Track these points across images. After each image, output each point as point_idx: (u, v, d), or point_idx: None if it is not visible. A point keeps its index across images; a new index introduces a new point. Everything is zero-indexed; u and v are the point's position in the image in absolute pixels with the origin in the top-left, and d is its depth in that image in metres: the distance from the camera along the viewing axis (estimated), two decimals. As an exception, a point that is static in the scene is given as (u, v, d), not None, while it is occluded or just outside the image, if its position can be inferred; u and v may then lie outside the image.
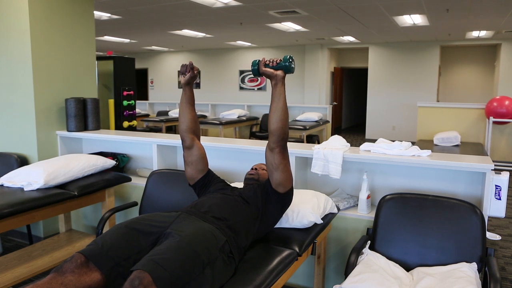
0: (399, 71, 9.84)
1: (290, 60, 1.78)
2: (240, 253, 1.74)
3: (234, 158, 3.12)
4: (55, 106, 3.45)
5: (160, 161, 3.21)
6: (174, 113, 8.72)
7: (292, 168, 2.63)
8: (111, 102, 4.59)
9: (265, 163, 2.30)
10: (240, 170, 3.01)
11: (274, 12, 6.05)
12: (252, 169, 2.26)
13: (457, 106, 6.47)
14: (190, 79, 1.99)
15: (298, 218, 2.08)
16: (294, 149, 2.71)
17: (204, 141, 3.22)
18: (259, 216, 1.92)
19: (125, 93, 4.63)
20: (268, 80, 10.72)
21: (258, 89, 11.07)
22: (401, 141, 2.61)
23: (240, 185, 2.31)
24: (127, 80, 4.80)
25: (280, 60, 1.79)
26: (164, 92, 12.35)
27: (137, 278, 1.32)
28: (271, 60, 1.80)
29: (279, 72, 1.79)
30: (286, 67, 1.78)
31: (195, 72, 1.99)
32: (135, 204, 2.70)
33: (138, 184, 3.23)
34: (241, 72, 11.30)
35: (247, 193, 1.99)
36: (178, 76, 13.45)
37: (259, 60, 1.83)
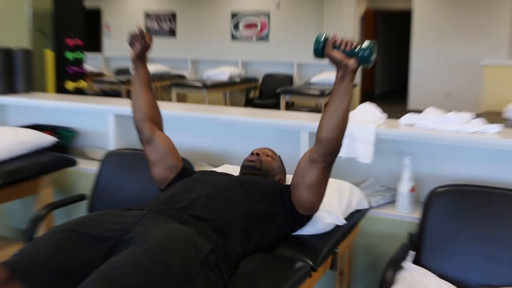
0: (456, 15, 9.78)
1: (373, 49, 1.74)
2: (231, 266, 1.74)
3: (223, 136, 3.11)
4: (-32, 58, 3.43)
5: (119, 137, 3.21)
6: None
7: (304, 149, 2.62)
8: (49, 54, 4.55)
9: (268, 148, 2.31)
10: (232, 150, 3.01)
11: None
12: (252, 154, 2.27)
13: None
14: (142, 51, 2.07)
15: (312, 220, 2.07)
16: (308, 122, 2.70)
17: (180, 109, 3.21)
18: (262, 215, 1.92)
19: (69, 42, 4.58)
20: (273, 28, 10.65)
21: (258, 39, 10.99)
22: (459, 112, 2.60)
23: (232, 170, 2.31)
24: (72, 24, 4.76)
25: (359, 44, 1.75)
26: (124, 42, 12.19)
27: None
28: (344, 41, 1.76)
29: (352, 62, 1.76)
30: (364, 58, 1.75)
31: (148, 41, 2.05)
32: (82, 197, 2.70)
33: (87, 169, 3.23)
34: (234, 15, 11.20)
35: (251, 180, 2.02)
36: (145, 20, 13.49)
37: (326, 37, 1.78)
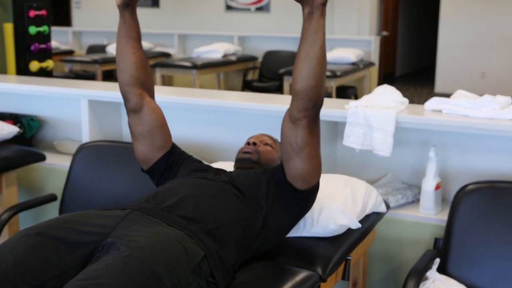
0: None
1: None
2: (227, 275, 1.76)
3: (216, 126, 3.13)
4: None
5: (94, 127, 3.22)
6: (115, 48, 8.66)
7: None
8: (8, 28, 4.54)
9: (267, 134, 2.32)
10: (227, 143, 3.03)
11: None
12: (247, 143, 2.27)
13: None
14: None
15: (322, 220, 2.11)
16: (317, 108, 2.72)
17: (165, 93, 3.21)
18: (260, 219, 1.94)
19: (32, 13, 4.58)
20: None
21: (257, 9, 10.97)
22: (495, 95, 2.61)
23: (227, 166, 2.33)
24: (36, -9, 4.74)
25: None
26: (98, 14, 12.23)
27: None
28: None
29: None
30: None
31: None
32: (52, 198, 2.72)
33: (57, 165, 3.25)
34: (229, -20, 11.17)
35: (244, 180, 2.02)
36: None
37: None
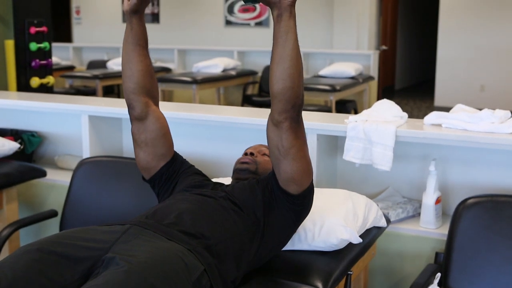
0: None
1: None
2: (227, 291, 1.77)
3: (217, 139, 3.13)
4: None
5: (94, 143, 3.23)
6: (116, 63, 8.70)
7: (312, 153, 2.64)
8: (9, 44, 4.56)
9: (265, 145, 2.32)
10: (227, 159, 3.03)
11: None
12: (245, 154, 2.27)
13: None
14: (139, 3, 1.99)
15: (322, 234, 2.11)
16: (316, 122, 2.73)
17: (166, 109, 3.21)
18: (259, 231, 1.94)
19: (33, 29, 4.60)
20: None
21: (257, 24, 11.03)
22: (494, 109, 2.62)
23: (227, 181, 2.33)
24: (37, 8, 4.76)
25: None
26: (99, 30, 12.29)
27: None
28: None
29: None
30: None
31: None
32: (52, 214, 2.72)
33: (57, 181, 3.26)
34: (228, -5, 11.23)
35: (239, 193, 2.01)
36: (123, 2, 13.27)
37: None
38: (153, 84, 2.11)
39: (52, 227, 3.09)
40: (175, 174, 2.15)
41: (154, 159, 2.12)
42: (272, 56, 1.83)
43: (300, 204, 1.98)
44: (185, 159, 2.22)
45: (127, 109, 2.14)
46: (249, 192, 2.01)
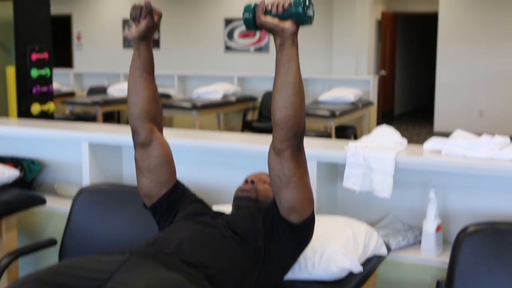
0: (493, 18, 9.87)
1: (306, 3, 1.79)
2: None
3: (217, 166, 3.13)
4: None
5: (94, 170, 3.23)
6: (116, 90, 8.74)
7: (312, 180, 2.62)
8: (11, 71, 4.58)
9: (266, 173, 2.32)
10: (227, 185, 3.02)
11: None
12: (246, 182, 2.27)
13: None
14: (147, 30, 1.99)
15: (323, 263, 2.09)
16: (315, 149, 2.73)
17: (167, 135, 3.20)
18: (260, 260, 1.93)
19: (34, 56, 4.63)
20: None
21: (256, 49, 11.09)
22: (493, 134, 2.62)
23: (227, 208, 2.32)
24: (38, 34, 4.80)
25: (290, 3, 1.81)
26: (100, 56, 12.37)
27: None
28: (275, 4, 1.81)
29: (288, 25, 1.80)
30: (299, 15, 1.80)
31: (156, 17, 1.99)
32: (52, 242, 2.70)
33: (57, 209, 3.24)
34: (228, 21, 11.32)
35: (240, 222, 2.01)
36: (125, 28, 13.51)
37: (255, 4, 1.84)
38: (158, 110, 2.11)
39: (51, 256, 3.06)
40: (176, 202, 2.15)
41: (156, 186, 2.11)
42: (274, 84, 1.84)
43: (301, 234, 1.97)
44: (186, 187, 2.22)
45: (127, 136, 2.15)
46: (250, 220, 2.01)
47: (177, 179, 2.19)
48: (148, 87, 2.07)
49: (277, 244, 1.97)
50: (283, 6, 1.80)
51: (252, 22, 1.84)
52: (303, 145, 1.89)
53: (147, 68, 2.06)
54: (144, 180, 2.11)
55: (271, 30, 1.81)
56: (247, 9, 1.84)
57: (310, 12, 1.81)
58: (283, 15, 1.81)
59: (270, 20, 1.81)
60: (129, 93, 2.09)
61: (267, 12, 1.82)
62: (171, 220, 2.12)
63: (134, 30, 2.00)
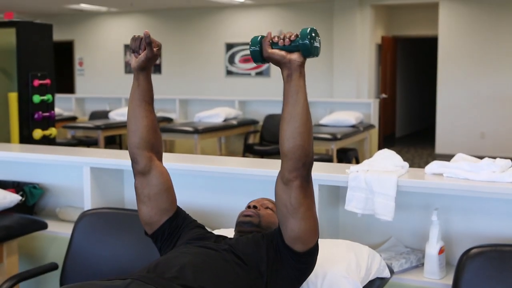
0: (491, 42, 9.93)
1: (313, 35, 1.81)
2: None
3: (218, 190, 3.13)
4: None
5: (96, 195, 3.23)
6: (118, 114, 8.79)
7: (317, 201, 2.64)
8: (13, 97, 4.61)
9: (268, 198, 2.32)
10: (229, 210, 3.02)
11: None
12: (248, 207, 2.27)
13: None
14: (147, 61, 2.01)
15: (325, 286, 2.09)
16: (317, 172, 2.72)
17: (168, 160, 3.22)
18: (262, 286, 1.93)
19: (36, 82, 4.65)
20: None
21: (257, 73, 11.15)
22: (494, 157, 2.63)
23: (228, 233, 2.32)
24: (40, 61, 4.83)
25: (297, 35, 1.83)
26: (101, 81, 12.44)
27: None
28: (282, 37, 1.82)
29: (295, 56, 1.82)
30: (306, 48, 1.81)
31: (155, 49, 2.01)
32: (53, 267, 2.70)
33: (58, 233, 3.24)
34: (230, 46, 11.40)
35: (243, 247, 2.00)
36: (126, 53, 13.59)
37: (262, 37, 1.86)
38: (157, 139, 2.12)
39: (52, 280, 3.06)
40: (178, 229, 2.14)
41: (157, 213, 2.11)
42: (282, 115, 1.84)
43: (304, 262, 1.96)
44: (187, 214, 2.21)
45: (128, 160, 2.15)
46: (253, 246, 2.00)
47: (178, 207, 2.18)
48: (147, 117, 2.08)
49: (280, 271, 1.95)
50: (289, 38, 1.81)
51: (259, 55, 1.86)
52: (311, 176, 1.89)
53: (146, 97, 2.07)
54: (145, 208, 2.11)
55: (278, 62, 1.83)
56: (254, 42, 1.86)
57: (316, 44, 1.82)
58: (290, 47, 1.82)
59: (277, 52, 1.82)
60: (129, 122, 2.10)
61: (273, 44, 1.84)
62: (172, 246, 2.11)
63: (133, 61, 2.02)
